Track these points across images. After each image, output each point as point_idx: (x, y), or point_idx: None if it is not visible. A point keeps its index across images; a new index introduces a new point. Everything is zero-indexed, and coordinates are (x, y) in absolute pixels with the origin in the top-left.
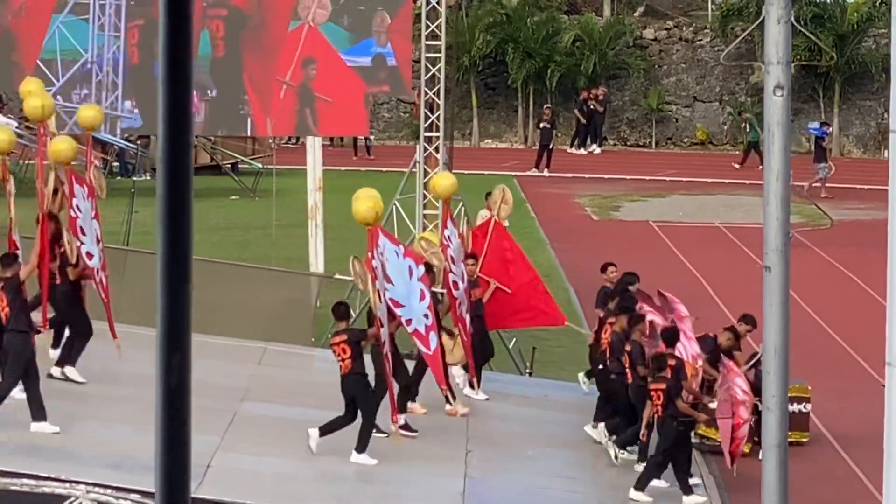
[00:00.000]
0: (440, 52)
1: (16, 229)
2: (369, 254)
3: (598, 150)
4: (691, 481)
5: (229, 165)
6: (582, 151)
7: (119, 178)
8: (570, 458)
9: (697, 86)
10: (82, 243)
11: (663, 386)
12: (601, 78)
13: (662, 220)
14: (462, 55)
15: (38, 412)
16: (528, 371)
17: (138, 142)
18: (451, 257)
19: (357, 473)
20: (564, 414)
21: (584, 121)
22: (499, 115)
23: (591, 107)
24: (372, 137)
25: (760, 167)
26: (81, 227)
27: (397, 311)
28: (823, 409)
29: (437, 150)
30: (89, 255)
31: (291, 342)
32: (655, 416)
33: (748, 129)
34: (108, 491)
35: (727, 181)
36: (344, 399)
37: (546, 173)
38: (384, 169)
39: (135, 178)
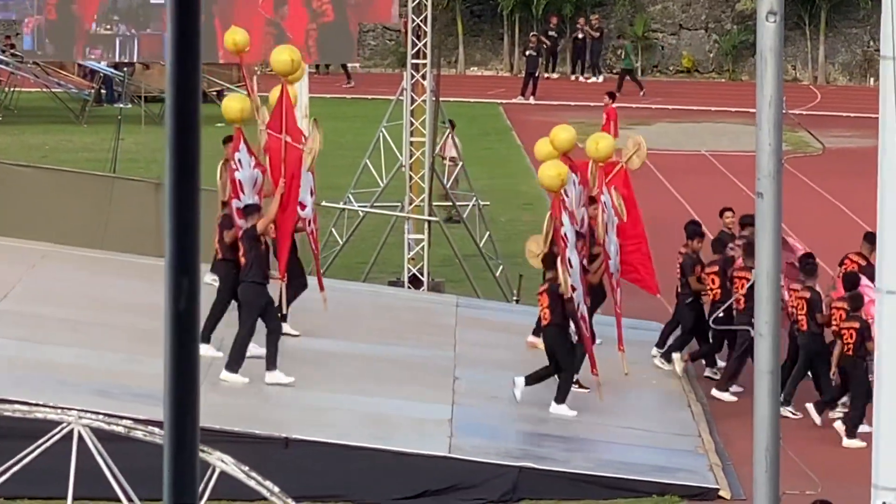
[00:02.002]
0: None
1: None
2: (557, 221)
3: (599, 79)
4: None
5: (215, 93)
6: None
7: (105, 105)
8: (556, 386)
9: (683, 13)
10: (238, 199)
11: (857, 325)
12: (587, 6)
13: (648, 147)
14: None
15: (236, 360)
16: (515, 299)
17: (124, 69)
18: (571, 212)
19: (346, 402)
20: None
21: (547, 43)
22: (485, 43)
23: (583, 35)
24: (357, 65)
25: (642, 93)
26: (241, 182)
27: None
28: None
29: (423, 77)
30: (239, 213)
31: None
32: (846, 354)
33: (623, 56)
34: (101, 417)
35: (713, 109)
36: (545, 349)
37: (532, 101)
38: (370, 97)
39: (121, 106)
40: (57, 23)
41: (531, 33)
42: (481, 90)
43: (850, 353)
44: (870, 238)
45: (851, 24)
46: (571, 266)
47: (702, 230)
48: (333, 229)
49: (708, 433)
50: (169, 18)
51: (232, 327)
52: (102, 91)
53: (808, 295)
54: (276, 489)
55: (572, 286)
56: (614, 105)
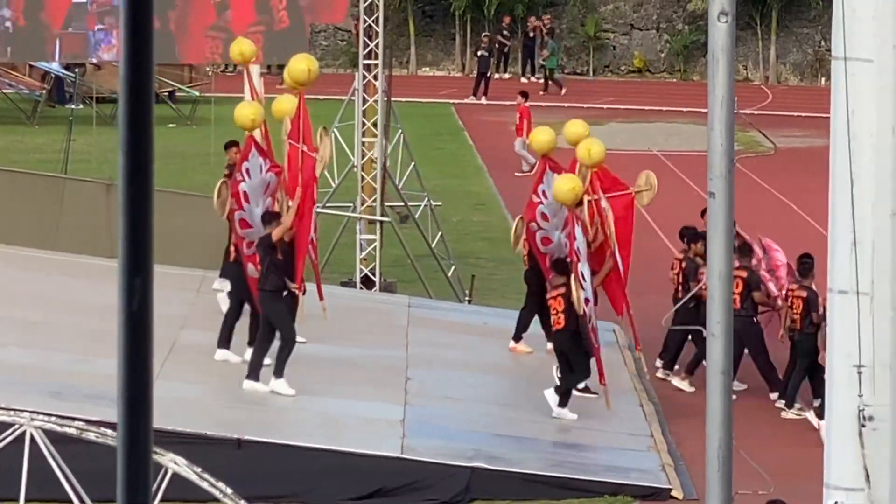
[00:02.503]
0: None
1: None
2: (570, 235)
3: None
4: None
5: (166, 93)
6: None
7: (56, 106)
8: (508, 386)
9: (635, 13)
10: (242, 209)
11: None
12: (539, 6)
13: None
14: None
15: (255, 370)
16: (467, 299)
17: (76, 70)
18: (544, 214)
19: (298, 402)
20: (503, 341)
21: (507, 44)
22: (437, 43)
23: (534, 35)
24: None
25: (563, 92)
26: (245, 193)
27: (544, 249)
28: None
29: (375, 77)
30: (242, 223)
31: None
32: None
33: (547, 55)
34: (53, 419)
35: (665, 109)
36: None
37: (484, 101)
38: (322, 97)
39: (72, 107)
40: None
41: (483, 34)
42: (433, 90)
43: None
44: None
45: (803, 24)
46: (584, 279)
47: (702, 233)
48: None
49: (660, 433)
50: (122, 19)
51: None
52: (46, 92)
53: (804, 294)
54: (229, 490)
55: (585, 299)
56: (527, 104)
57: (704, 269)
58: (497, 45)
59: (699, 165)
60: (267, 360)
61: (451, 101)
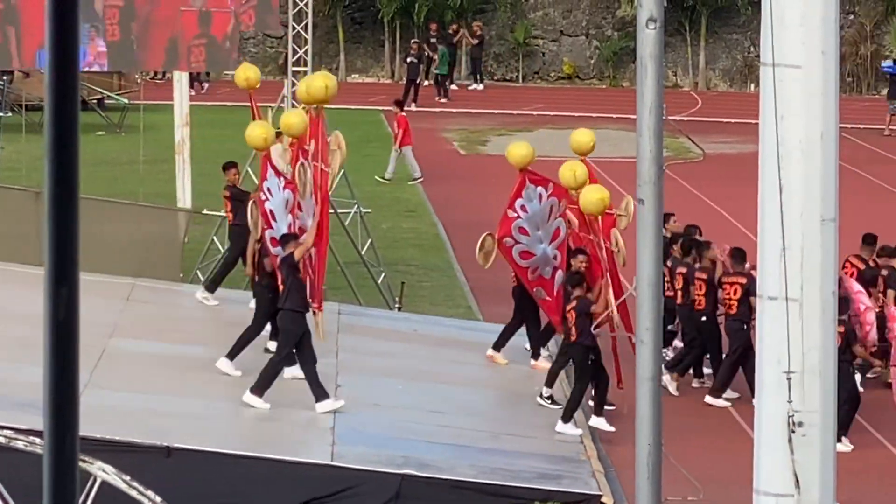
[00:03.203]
0: None
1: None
2: (595, 244)
3: (480, 87)
4: None
5: (95, 101)
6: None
7: None
8: (438, 393)
9: (564, 20)
10: (271, 227)
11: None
12: (468, 12)
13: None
14: None
15: (318, 391)
16: (397, 306)
17: (3, 78)
18: (522, 228)
19: (228, 410)
20: (433, 348)
21: (432, 55)
22: (366, 50)
23: (456, 42)
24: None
25: (443, 99)
26: (271, 211)
27: (524, 263)
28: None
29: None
30: (273, 242)
31: (159, 278)
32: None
33: (438, 62)
34: None
35: (594, 115)
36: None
37: (413, 107)
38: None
39: (0, 115)
40: None
41: (412, 40)
42: (362, 97)
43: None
44: (868, 240)
45: (732, 30)
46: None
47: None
48: (215, 237)
49: (590, 439)
50: (47, 27)
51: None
52: None
53: (743, 281)
54: (158, 499)
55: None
56: (403, 112)
57: (726, 277)
58: (427, 53)
59: (629, 171)
60: (291, 375)
61: (381, 108)
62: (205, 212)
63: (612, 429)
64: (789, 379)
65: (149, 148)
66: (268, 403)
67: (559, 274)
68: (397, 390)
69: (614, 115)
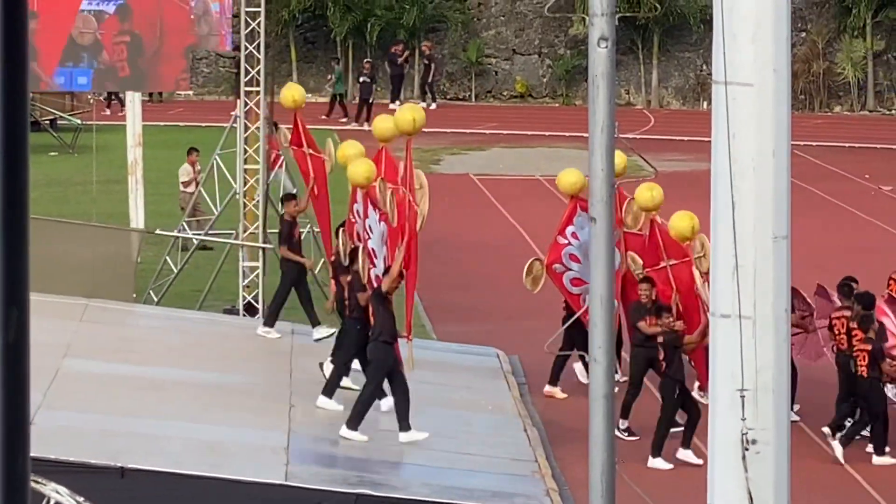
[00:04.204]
0: (260, 6)
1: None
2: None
3: (433, 106)
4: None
5: (48, 121)
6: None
7: None
8: (392, 412)
9: (517, 38)
10: (374, 266)
11: (869, 347)
12: (421, 31)
13: (483, 172)
14: (281, 9)
15: (404, 423)
16: None
17: None
18: (573, 255)
19: (181, 430)
20: None
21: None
22: (318, 70)
23: (400, 63)
24: (191, 92)
25: (344, 119)
26: (373, 250)
27: (576, 290)
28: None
29: (257, 104)
30: (378, 280)
31: (113, 298)
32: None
33: (335, 81)
34: None
35: (547, 133)
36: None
37: (366, 127)
38: (204, 124)
39: None
40: None
41: (365, 59)
42: (315, 116)
43: (865, 375)
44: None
45: (684, 49)
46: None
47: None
48: (168, 258)
49: (545, 458)
50: None
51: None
52: None
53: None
54: None
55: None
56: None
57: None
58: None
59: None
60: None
61: (334, 127)
62: (157, 231)
63: (700, 461)
64: (743, 396)
65: (102, 168)
66: (365, 436)
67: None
68: (350, 409)
69: (567, 134)
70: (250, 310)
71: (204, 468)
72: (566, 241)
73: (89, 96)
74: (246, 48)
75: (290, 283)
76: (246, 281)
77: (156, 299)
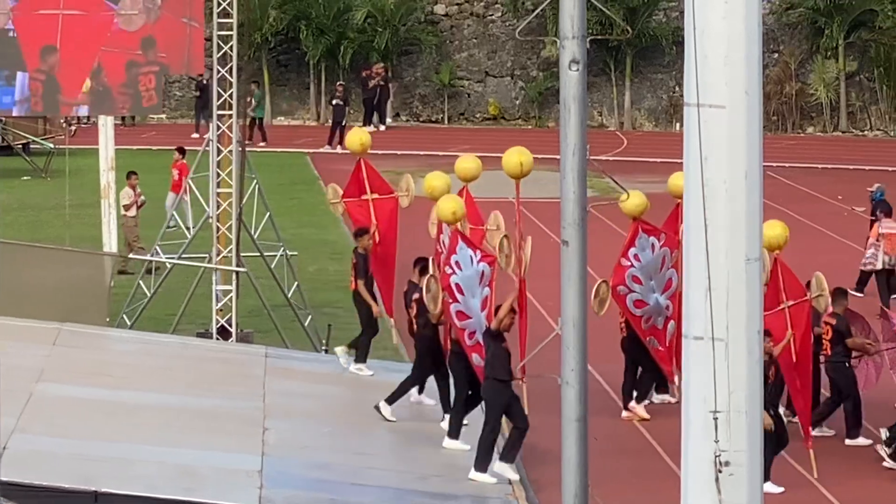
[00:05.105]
0: (232, 29)
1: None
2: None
3: (382, 128)
4: None
5: (20, 146)
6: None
7: None
8: (366, 435)
9: (489, 61)
10: (457, 301)
11: (834, 322)
12: (393, 54)
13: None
14: (254, 32)
15: (483, 458)
16: (323, 348)
17: None
18: (636, 277)
19: (155, 453)
20: (361, 390)
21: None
22: (291, 92)
23: (372, 85)
24: (164, 116)
25: (262, 143)
26: (458, 285)
27: (638, 312)
28: (618, 382)
29: (230, 128)
30: (459, 315)
31: (86, 322)
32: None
33: (255, 105)
34: None
35: None
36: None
37: (339, 150)
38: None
39: None
40: None
41: (338, 82)
42: (288, 140)
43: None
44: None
45: (657, 70)
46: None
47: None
48: (141, 281)
49: (518, 481)
50: None
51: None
52: None
53: (833, 322)
54: None
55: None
56: (184, 160)
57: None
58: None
59: (555, 212)
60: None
61: (307, 150)
62: (130, 256)
63: (782, 489)
64: (716, 419)
65: (74, 192)
66: (494, 478)
67: (671, 325)
68: (324, 432)
69: (540, 156)
70: (223, 333)
71: (178, 492)
72: (629, 263)
73: (63, 121)
74: (218, 71)
75: (367, 314)
76: (219, 304)
77: (129, 323)
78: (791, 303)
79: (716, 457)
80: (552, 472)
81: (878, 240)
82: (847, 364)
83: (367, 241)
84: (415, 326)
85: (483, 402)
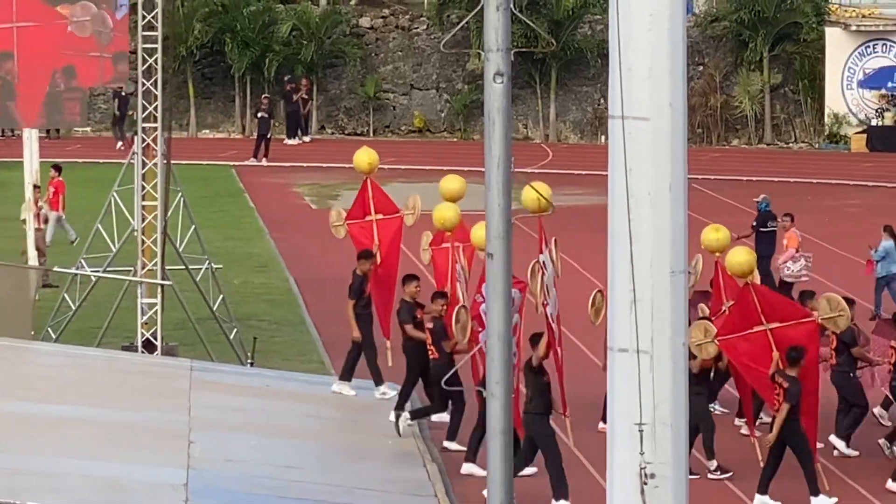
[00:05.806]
0: (157, 42)
1: None
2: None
3: (294, 141)
4: None
5: None
6: (294, 142)
7: None
8: (292, 448)
9: (414, 73)
10: (482, 328)
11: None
12: (319, 67)
13: None
14: (179, 45)
15: (558, 487)
16: (249, 361)
17: None
18: (547, 286)
19: (80, 467)
20: (286, 403)
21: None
22: (216, 105)
23: (295, 98)
24: (88, 129)
25: (120, 146)
26: (486, 313)
27: None
28: None
29: (154, 140)
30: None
31: (10, 336)
32: None
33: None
34: None
35: (445, 168)
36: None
37: (264, 162)
38: (101, 160)
39: None
40: None
41: (263, 95)
42: (213, 153)
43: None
44: None
45: (582, 83)
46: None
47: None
48: (66, 294)
49: (444, 493)
50: None
51: None
52: None
53: None
54: None
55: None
56: (60, 177)
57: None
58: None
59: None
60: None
61: (232, 163)
62: (55, 268)
63: None
64: (641, 431)
65: None
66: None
67: None
68: (250, 446)
69: (465, 169)
70: (149, 346)
71: None
72: None
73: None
74: (143, 84)
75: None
76: (145, 318)
77: (54, 336)
78: (774, 325)
79: (641, 469)
80: (477, 486)
81: (797, 250)
82: (852, 374)
83: (367, 266)
84: (432, 353)
85: (528, 439)
